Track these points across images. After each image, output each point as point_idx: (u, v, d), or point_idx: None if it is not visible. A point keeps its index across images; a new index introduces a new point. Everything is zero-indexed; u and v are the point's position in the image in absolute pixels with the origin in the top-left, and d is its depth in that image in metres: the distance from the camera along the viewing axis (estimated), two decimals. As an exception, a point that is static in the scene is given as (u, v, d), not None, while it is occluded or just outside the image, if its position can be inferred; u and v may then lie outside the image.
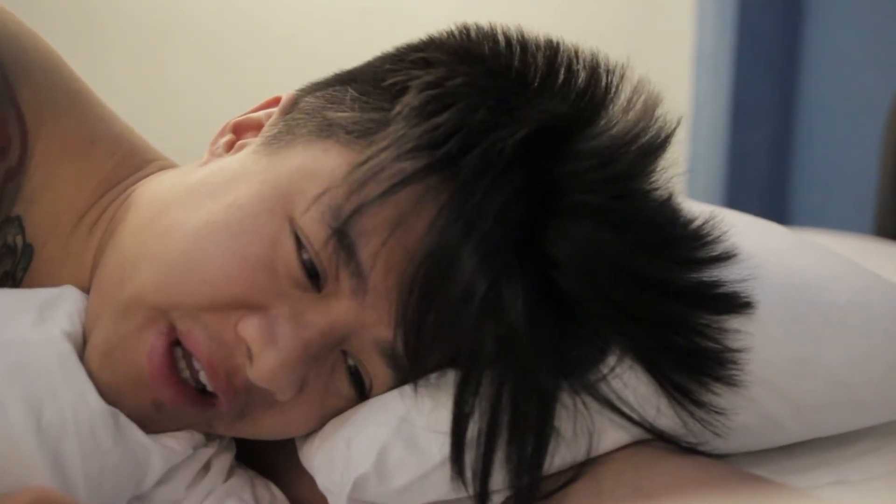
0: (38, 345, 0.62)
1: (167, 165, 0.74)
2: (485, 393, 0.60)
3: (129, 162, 0.72)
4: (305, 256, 0.61)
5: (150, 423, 0.64)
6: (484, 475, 0.61)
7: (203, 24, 2.44)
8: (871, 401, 0.67)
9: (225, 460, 0.69)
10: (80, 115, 0.71)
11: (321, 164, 0.63)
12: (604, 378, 0.62)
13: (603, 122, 0.63)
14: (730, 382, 0.62)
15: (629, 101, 0.64)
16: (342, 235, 0.60)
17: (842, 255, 0.75)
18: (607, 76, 0.64)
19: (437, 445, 0.62)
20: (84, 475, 0.61)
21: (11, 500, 0.55)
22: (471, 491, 0.61)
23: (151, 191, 0.70)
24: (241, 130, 0.71)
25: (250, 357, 0.61)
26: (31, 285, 0.69)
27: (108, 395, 0.63)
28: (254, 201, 0.62)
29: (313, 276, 0.61)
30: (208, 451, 0.67)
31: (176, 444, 0.65)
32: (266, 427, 0.65)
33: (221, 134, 0.71)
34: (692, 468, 0.63)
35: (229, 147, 0.70)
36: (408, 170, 0.60)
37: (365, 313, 0.61)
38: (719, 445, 0.65)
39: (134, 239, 0.66)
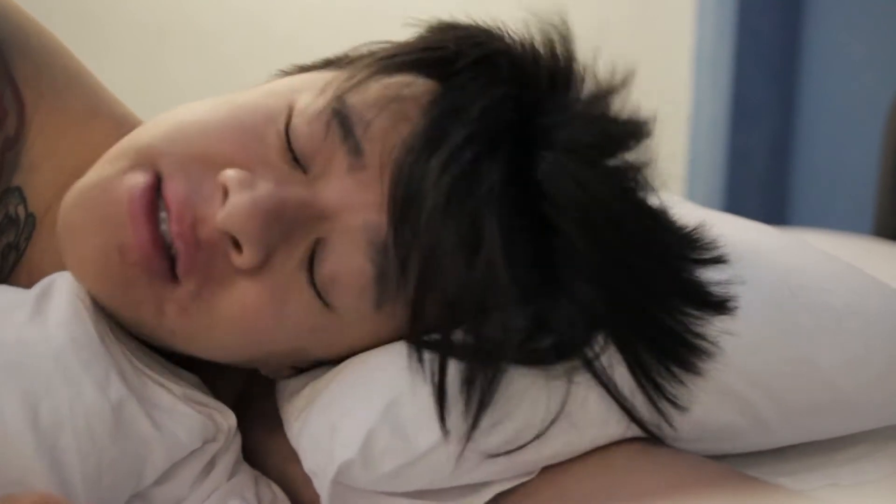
0: (34, 341, 0.62)
1: None
2: (448, 295, 0.60)
3: None
4: (290, 131, 0.62)
5: (106, 281, 0.62)
6: (441, 367, 0.60)
7: (203, 24, 2.44)
8: (863, 405, 0.67)
9: (230, 458, 0.68)
10: (81, 93, 0.72)
11: (328, 75, 0.65)
12: (597, 357, 0.61)
13: (591, 90, 0.64)
14: (693, 370, 0.62)
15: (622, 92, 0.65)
16: (338, 113, 0.61)
17: (838, 257, 0.75)
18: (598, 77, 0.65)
19: (425, 432, 0.61)
20: (82, 472, 0.60)
21: (14, 501, 0.55)
22: (427, 376, 0.61)
23: None
24: None
25: (224, 204, 0.60)
26: (33, 255, 0.70)
27: (74, 234, 0.63)
28: (259, 91, 0.66)
29: (293, 151, 0.62)
30: (214, 447, 0.67)
31: (184, 434, 0.64)
32: (219, 316, 0.62)
33: None
34: (683, 466, 0.63)
35: None
36: (406, 59, 0.64)
37: (355, 195, 0.61)
38: (710, 447, 0.65)
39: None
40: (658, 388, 0.62)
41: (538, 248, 0.60)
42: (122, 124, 0.73)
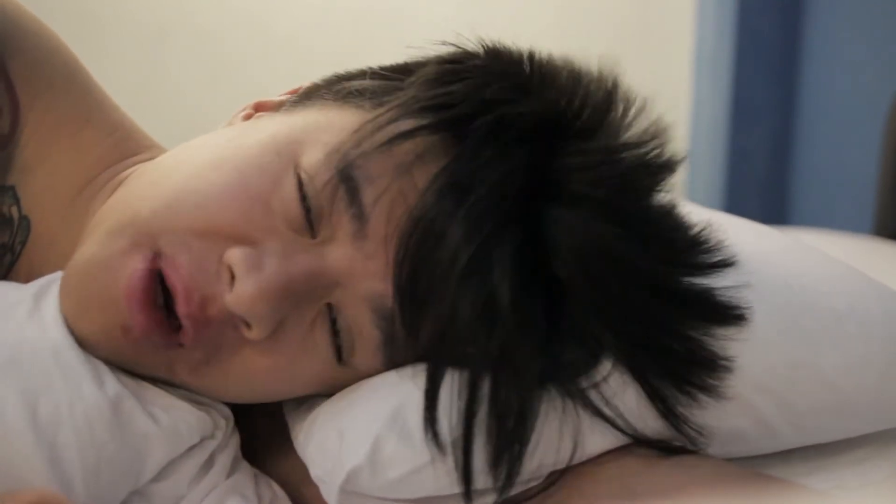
0: (33, 338, 0.62)
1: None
2: (464, 364, 0.60)
3: (127, 144, 0.73)
4: (305, 194, 0.61)
5: (114, 351, 0.63)
6: (466, 452, 0.60)
7: (203, 25, 2.44)
8: (865, 407, 0.67)
9: (228, 455, 0.68)
10: (76, 95, 0.72)
11: (335, 120, 0.64)
12: (595, 385, 0.61)
13: (611, 129, 0.64)
14: (714, 393, 0.62)
15: (645, 130, 0.65)
16: (347, 177, 0.60)
17: (838, 259, 0.75)
18: (625, 102, 0.65)
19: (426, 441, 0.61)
20: (81, 468, 0.60)
21: (13, 499, 0.55)
22: (450, 464, 0.61)
23: (156, 160, 0.70)
24: (260, 108, 0.72)
25: (231, 285, 0.60)
26: (29, 258, 0.70)
27: (77, 313, 0.62)
28: (262, 143, 0.63)
29: (309, 216, 0.61)
30: (212, 444, 0.67)
31: (183, 428, 0.64)
32: (231, 377, 0.63)
33: (242, 109, 0.72)
34: (707, 466, 0.63)
35: (246, 118, 0.71)
36: (415, 124, 0.61)
37: (359, 263, 0.61)
38: (714, 451, 0.65)
39: (135, 179, 0.67)
40: (679, 417, 0.62)
41: (549, 301, 0.60)
42: (116, 129, 0.73)
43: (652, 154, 0.63)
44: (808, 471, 0.67)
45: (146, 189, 0.64)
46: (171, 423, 0.64)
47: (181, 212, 0.61)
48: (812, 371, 0.66)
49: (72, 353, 0.62)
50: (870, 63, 2.07)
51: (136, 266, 0.60)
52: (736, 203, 2.21)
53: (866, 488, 0.65)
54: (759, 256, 0.68)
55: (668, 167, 0.64)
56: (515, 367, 0.59)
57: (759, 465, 0.67)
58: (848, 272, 0.73)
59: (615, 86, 0.65)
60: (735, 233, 0.67)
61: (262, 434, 0.72)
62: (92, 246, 0.63)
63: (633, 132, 0.64)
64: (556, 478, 0.63)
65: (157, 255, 0.61)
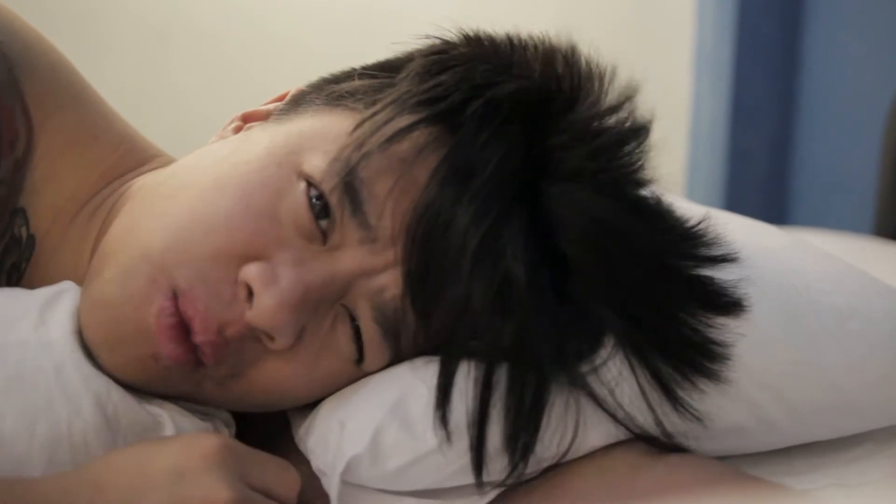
0: (36, 354, 0.62)
1: (170, 161, 0.75)
2: (478, 349, 0.61)
3: (131, 157, 0.73)
4: (315, 196, 0.62)
5: (144, 377, 0.63)
6: (480, 434, 0.61)
7: (204, 25, 2.44)
8: (866, 405, 0.67)
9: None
10: (83, 111, 0.72)
11: (330, 125, 0.65)
12: (595, 370, 0.62)
13: (591, 97, 0.64)
14: (714, 378, 0.63)
15: (619, 94, 0.65)
16: (349, 186, 0.61)
17: (839, 258, 0.75)
18: (598, 70, 0.66)
19: (433, 428, 0.62)
20: None
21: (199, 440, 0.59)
22: (461, 450, 0.61)
23: (155, 174, 0.71)
24: (249, 119, 0.72)
25: (250, 302, 0.61)
26: (31, 273, 0.70)
27: (108, 347, 0.63)
28: (261, 157, 0.64)
29: (323, 219, 0.61)
30: None
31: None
32: (257, 387, 0.64)
33: (231, 122, 0.72)
34: (687, 466, 0.63)
35: (236, 131, 0.71)
36: (412, 119, 0.62)
37: (370, 260, 0.62)
38: (715, 447, 0.66)
39: (140, 205, 0.67)
40: (678, 401, 0.62)
41: (557, 279, 0.61)
42: (121, 143, 0.73)
43: (629, 116, 0.64)
44: (808, 468, 0.67)
45: (153, 220, 0.64)
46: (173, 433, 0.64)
47: (191, 241, 0.62)
48: (814, 369, 0.66)
49: (75, 371, 0.62)
50: (870, 63, 2.07)
51: (162, 304, 0.61)
52: (736, 203, 2.21)
53: (866, 486, 0.65)
54: (762, 254, 0.69)
55: (645, 128, 0.65)
56: (532, 347, 0.60)
57: (759, 462, 0.68)
58: (850, 271, 0.73)
59: (586, 56, 0.66)
60: (737, 230, 0.68)
61: (263, 438, 0.72)
62: (110, 284, 0.63)
63: (610, 98, 0.65)
64: (551, 471, 0.63)
65: (175, 292, 0.61)
